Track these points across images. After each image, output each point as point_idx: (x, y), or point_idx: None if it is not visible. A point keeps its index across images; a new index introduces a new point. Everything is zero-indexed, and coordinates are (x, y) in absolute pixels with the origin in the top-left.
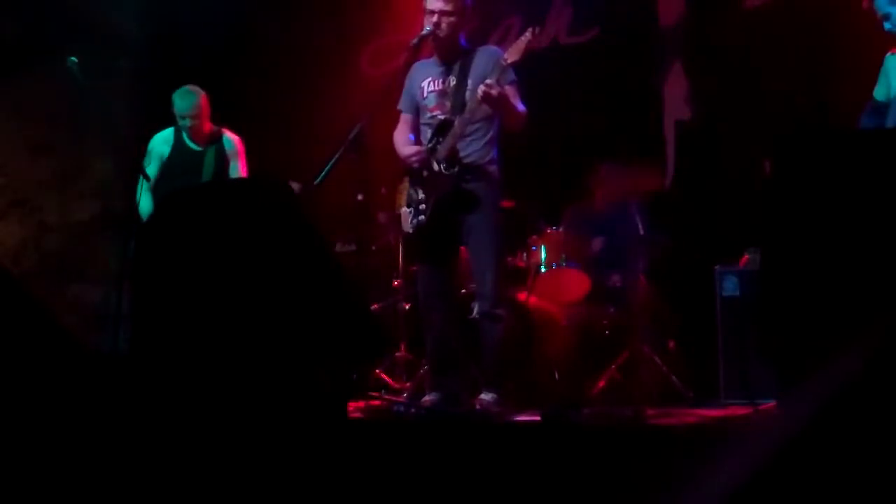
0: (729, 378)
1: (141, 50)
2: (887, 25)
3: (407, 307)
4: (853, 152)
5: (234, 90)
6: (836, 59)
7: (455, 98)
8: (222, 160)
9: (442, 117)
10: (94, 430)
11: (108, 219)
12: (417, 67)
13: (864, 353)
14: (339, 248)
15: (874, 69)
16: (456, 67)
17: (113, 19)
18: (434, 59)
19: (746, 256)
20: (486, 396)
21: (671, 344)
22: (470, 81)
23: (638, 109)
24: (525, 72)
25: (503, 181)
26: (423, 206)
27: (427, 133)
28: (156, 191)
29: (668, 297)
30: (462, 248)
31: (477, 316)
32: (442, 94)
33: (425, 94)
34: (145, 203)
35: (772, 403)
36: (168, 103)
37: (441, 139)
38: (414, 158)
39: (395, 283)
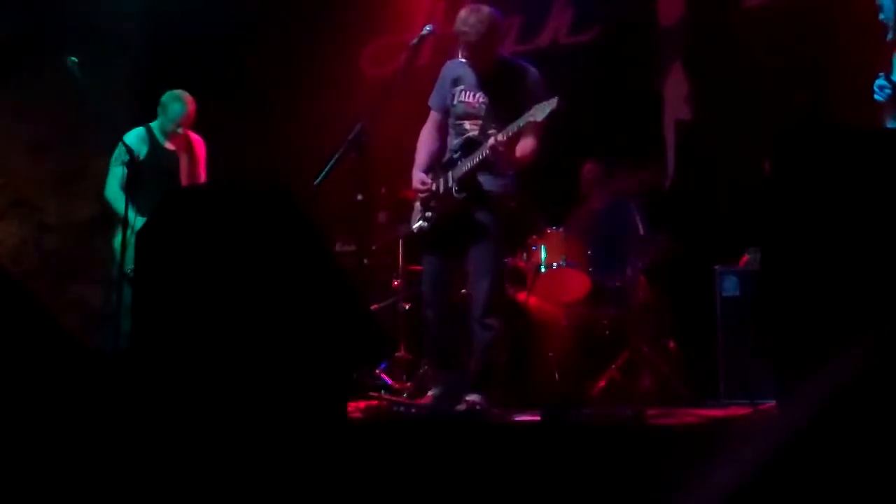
0: (729, 378)
1: (141, 50)
2: (881, 16)
3: (407, 307)
4: (853, 151)
5: (233, 90)
6: (836, 59)
7: (486, 119)
8: (194, 162)
9: (471, 134)
10: (93, 429)
11: (108, 219)
12: (452, 67)
13: (864, 353)
14: (339, 248)
15: (874, 68)
16: (493, 85)
17: (113, 19)
18: (467, 64)
19: (746, 256)
20: (471, 398)
21: (671, 344)
22: (504, 104)
23: (638, 109)
24: None
25: (518, 204)
26: (429, 214)
27: (453, 139)
28: (128, 188)
29: (668, 297)
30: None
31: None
32: (471, 107)
33: (455, 102)
34: (117, 195)
35: (772, 403)
36: None
37: (463, 157)
38: (420, 191)
39: (395, 283)
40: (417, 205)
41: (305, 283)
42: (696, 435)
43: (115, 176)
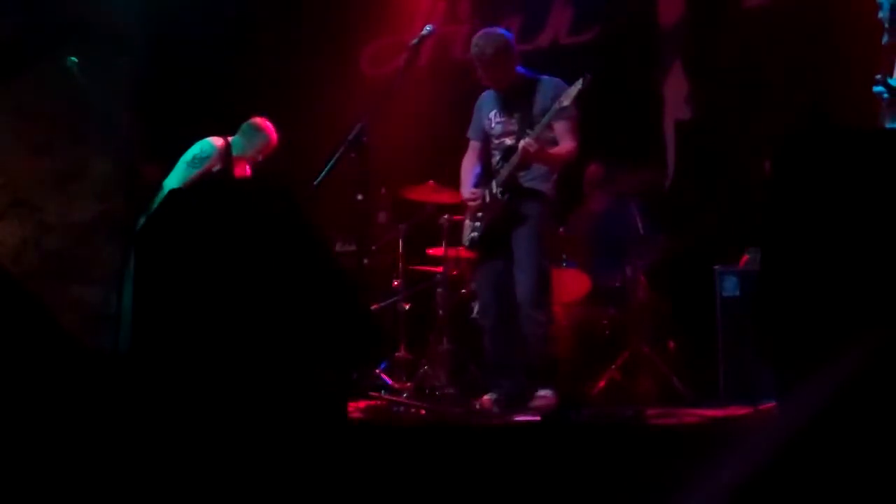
0: (729, 378)
1: (141, 50)
2: (880, 14)
3: (407, 307)
4: (853, 152)
5: (233, 90)
6: (836, 59)
7: (521, 130)
8: None
9: (510, 143)
10: (93, 429)
11: (108, 219)
12: (485, 97)
13: (864, 353)
14: (339, 248)
15: (874, 68)
16: (520, 100)
17: (113, 19)
18: (493, 89)
19: (746, 256)
20: (542, 393)
21: (671, 344)
22: (534, 115)
23: (638, 109)
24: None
25: (557, 200)
26: (478, 224)
27: (496, 157)
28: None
29: (668, 297)
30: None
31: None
32: (508, 125)
33: (493, 126)
34: None
35: (772, 403)
36: (167, 103)
37: (505, 164)
38: (470, 204)
39: (395, 283)
40: (467, 221)
41: (305, 283)
42: (696, 435)
43: (183, 172)
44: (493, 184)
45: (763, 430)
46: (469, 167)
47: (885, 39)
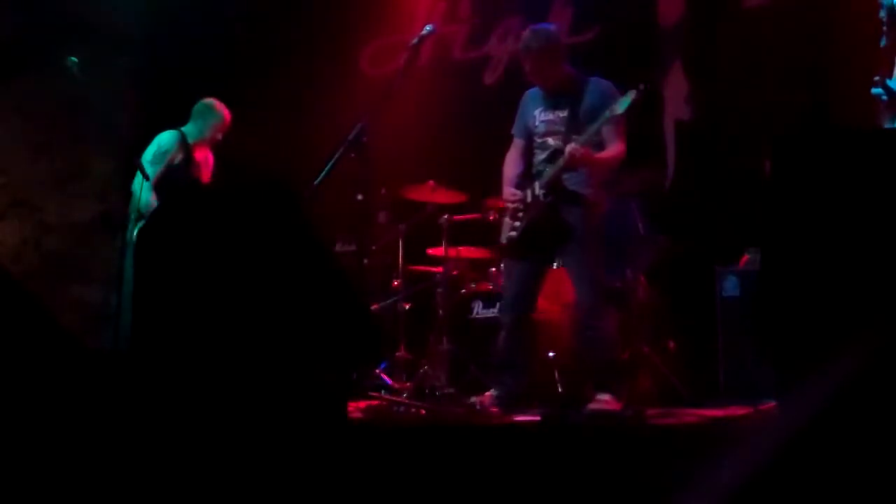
0: (729, 378)
1: (141, 50)
2: (881, 13)
3: (407, 307)
4: (853, 152)
5: (233, 90)
6: (837, 59)
7: (567, 130)
8: (206, 174)
9: (553, 142)
10: (93, 428)
11: (108, 219)
12: (531, 95)
13: (863, 353)
14: (339, 248)
15: (873, 68)
16: (566, 99)
17: (113, 19)
18: (540, 86)
19: (746, 256)
20: (601, 397)
21: (671, 344)
22: (581, 115)
23: (638, 109)
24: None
25: (599, 203)
26: (517, 224)
27: (539, 156)
28: (158, 191)
29: (668, 297)
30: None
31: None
32: (553, 124)
33: (537, 123)
34: (147, 198)
35: (772, 403)
36: (167, 103)
37: (550, 166)
38: (510, 203)
39: (395, 283)
40: (506, 219)
41: (305, 283)
42: (696, 435)
43: (148, 172)
44: (536, 185)
45: (763, 430)
46: (511, 165)
47: (882, 42)
